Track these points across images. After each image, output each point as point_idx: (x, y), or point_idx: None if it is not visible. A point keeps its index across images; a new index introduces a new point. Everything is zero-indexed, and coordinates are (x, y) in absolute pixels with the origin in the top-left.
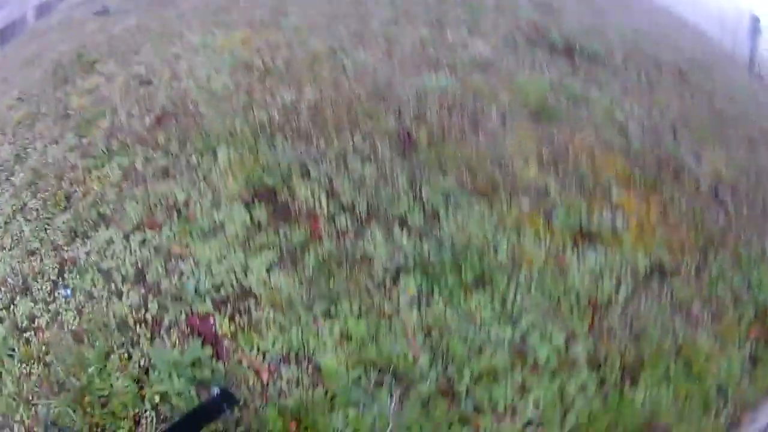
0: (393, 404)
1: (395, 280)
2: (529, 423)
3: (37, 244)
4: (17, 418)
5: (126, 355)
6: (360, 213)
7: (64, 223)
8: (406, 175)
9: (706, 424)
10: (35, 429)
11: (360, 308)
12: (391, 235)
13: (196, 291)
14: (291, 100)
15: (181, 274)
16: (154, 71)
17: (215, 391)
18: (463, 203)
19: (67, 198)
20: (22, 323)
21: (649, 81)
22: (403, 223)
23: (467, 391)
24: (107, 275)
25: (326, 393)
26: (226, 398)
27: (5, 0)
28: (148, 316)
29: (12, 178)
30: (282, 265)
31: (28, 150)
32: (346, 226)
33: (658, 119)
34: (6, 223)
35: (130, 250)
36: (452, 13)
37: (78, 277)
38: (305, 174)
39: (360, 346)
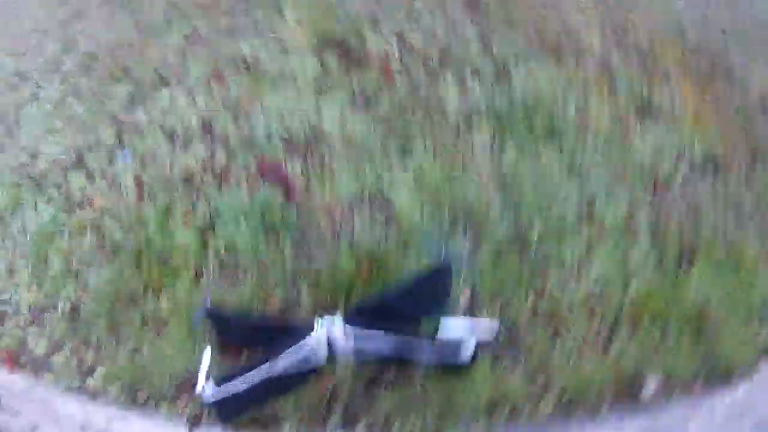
0: (467, 249)
1: (469, 125)
2: (593, 288)
3: (92, 119)
4: (63, 294)
5: (190, 207)
6: (432, 61)
7: (121, 94)
8: (475, 30)
9: (749, 334)
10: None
11: (435, 152)
12: (463, 83)
13: (266, 137)
14: None
15: (251, 124)
16: None
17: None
18: (531, 59)
19: (125, 71)
20: (74, 197)
21: None
22: (475, 73)
23: (537, 244)
24: (170, 132)
25: (399, 233)
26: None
27: None
28: (215, 167)
29: (62, 68)
30: (355, 108)
31: (76, 38)
32: (419, 73)
33: (712, 26)
34: (56, 107)
35: (195, 107)
36: None
37: (138, 140)
38: (375, 25)
39: (434, 187)
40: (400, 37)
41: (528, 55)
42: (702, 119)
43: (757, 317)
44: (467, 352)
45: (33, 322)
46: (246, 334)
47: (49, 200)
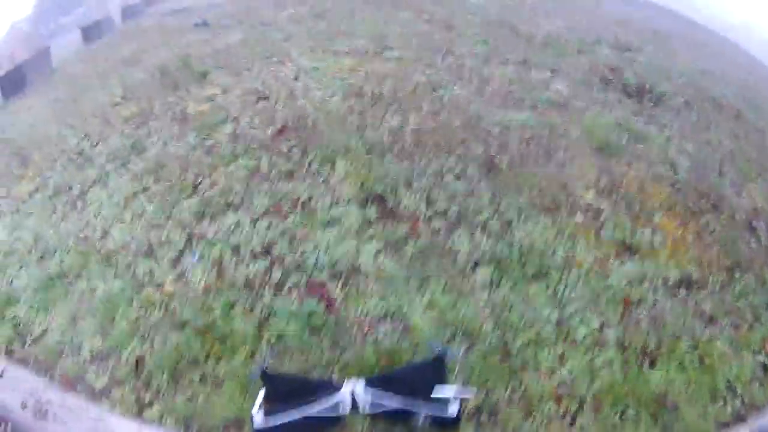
0: (461, 352)
1: (474, 269)
2: (563, 383)
3: (161, 221)
4: (128, 349)
5: (249, 307)
6: (450, 217)
7: (191, 206)
8: (488, 192)
9: (712, 411)
10: (147, 354)
11: (445, 286)
12: (473, 236)
13: (315, 265)
14: (397, 125)
15: (303, 252)
16: (270, 88)
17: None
18: (531, 216)
19: (194, 186)
20: (143, 279)
21: (707, 120)
22: (483, 227)
23: (518, 352)
24: (235, 248)
25: (411, 342)
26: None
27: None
28: (272, 280)
29: (129, 165)
30: (387, 252)
31: (144, 143)
32: (439, 226)
33: (708, 155)
34: (126, 200)
35: (257, 232)
36: (539, 55)
37: (206, 247)
38: (409, 185)
39: (441, 312)
40: (427, 196)
41: (529, 210)
42: (680, 249)
43: (722, 397)
44: (453, 408)
45: (93, 362)
46: (291, 388)
47: (118, 275)
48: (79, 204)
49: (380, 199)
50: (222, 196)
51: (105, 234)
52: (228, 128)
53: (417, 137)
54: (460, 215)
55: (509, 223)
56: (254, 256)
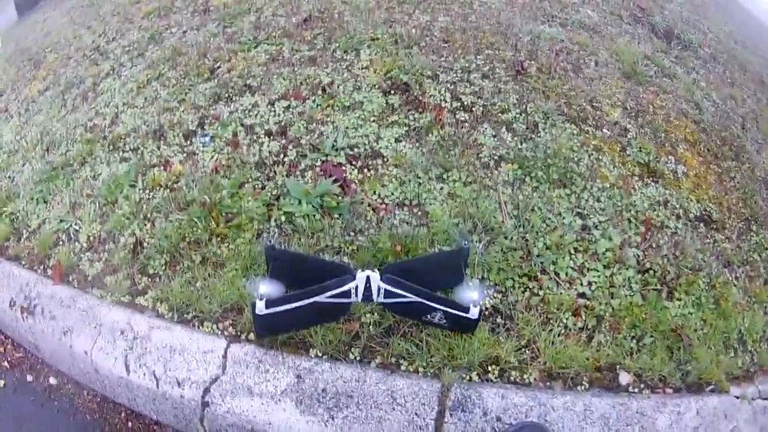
0: (480, 246)
1: (498, 165)
2: (582, 295)
3: (175, 104)
4: (128, 232)
5: (260, 186)
6: (476, 112)
7: (207, 89)
8: (516, 93)
9: (724, 360)
10: (146, 237)
11: (467, 179)
12: (498, 132)
13: (333, 146)
14: (426, 21)
15: (321, 133)
16: None
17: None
18: (558, 122)
19: (211, 71)
20: (150, 160)
21: (732, 77)
22: (509, 126)
23: (539, 254)
24: (250, 128)
25: (429, 231)
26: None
27: None
28: (286, 160)
29: (146, 55)
30: (408, 138)
31: (163, 34)
32: (464, 118)
33: (732, 109)
34: (139, 87)
35: (275, 113)
36: None
37: (219, 128)
38: (435, 77)
39: (462, 204)
40: (453, 91)
41: (556, 117)
42: (701, 185)
43: (733, 347)
44: (475, 310)
45: (89, 249)
46: (299, 269)
47: (124, 159)
48: (90, 95)
49: (405, 88)
50: (240, 78)
51: (114, 120)
52: (251, 18)
53: (446, 35)
54: (485, 111)
55: (536, 125)
56: (269, 136)
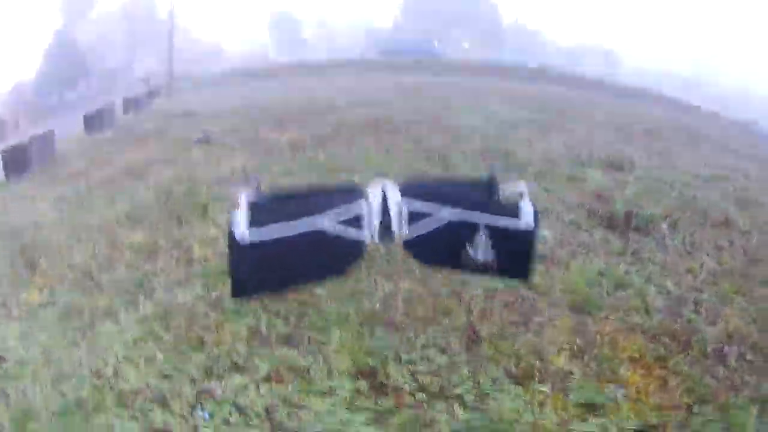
0: None
1: None
2: None
3: (171, 371)
4: None
5: None
6: (432, 391)
7: (198, 362)
8: (468, 365)
9: None
10: None
11: None
12: (452, 408)
13: None
14: (390, 291)
15: (301, 420)
16: None
17: None
18: (505, 387)
19: (200, 341)
20: (158, 424)
21: (692, 241)
22: (461, 400)
23: None
24: (241, 409)
25: None
26: None
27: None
28: None
29: (138, 304)
30: (375, 423)
31: (152, 282)
32: (422, 399)
33: (688, 288)
34: (136, 342)
35: (260, 395)
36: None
37: (216, 406)
38: (398, 359)
39: None
40: (414, 371)
41: (504, 381)
42: (642, 400)
43: None
44: (528, 216)
45: None
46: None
47: (133, 418)
48: (89, 334)
49: (371, 372)
50: (228, 356)
51: (117, 373)
52: (230, 282)
53: (407, 306)
54: (441, 388)
55: (486, 395)
56: (259, 417)
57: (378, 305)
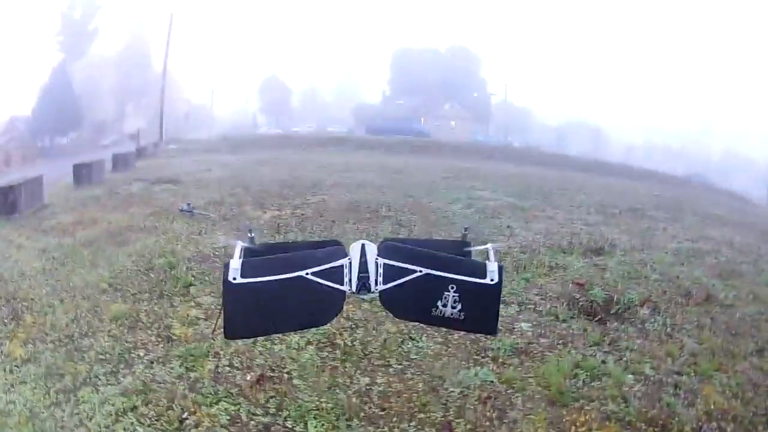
0: None
1: None
2: None
3: None
4: None
5: None
6: None
7: None
8: None
9: None
10: None
11: None
12: None
13: None
14: (366, 385)
15: None
16: None
17: None
18: None
19: (180, 421)
20: None
21: (672, 324)
22: None
23: None
24: None
25: None
26: None
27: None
28: None
29: (118, 376)
30: None
31: (132, 354)
32: None
33: (667, 369)
34: (117, 415)
35: None
36: (510, 283)
37: None
38: None
39: None
40: None
41: None
42: None
43: None
44: (493, 271)
45: None
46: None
47: None
48: (72, 398)
49: None
50: None
51: None
52: (210, 365)
53: (383, 400)
54: None
55: None
56: None
57: (354, 399)
